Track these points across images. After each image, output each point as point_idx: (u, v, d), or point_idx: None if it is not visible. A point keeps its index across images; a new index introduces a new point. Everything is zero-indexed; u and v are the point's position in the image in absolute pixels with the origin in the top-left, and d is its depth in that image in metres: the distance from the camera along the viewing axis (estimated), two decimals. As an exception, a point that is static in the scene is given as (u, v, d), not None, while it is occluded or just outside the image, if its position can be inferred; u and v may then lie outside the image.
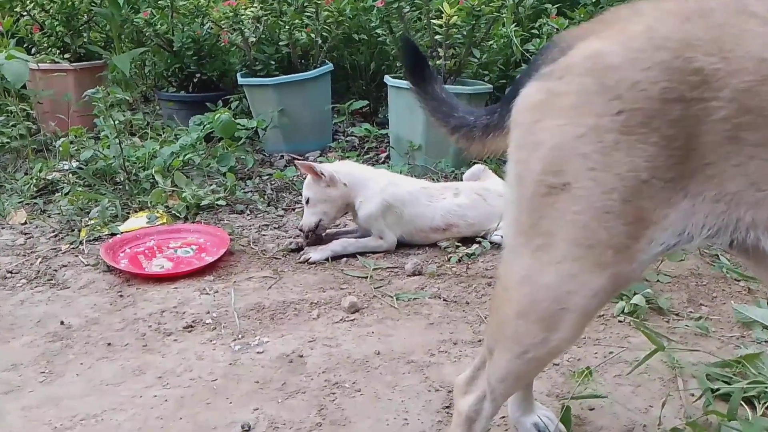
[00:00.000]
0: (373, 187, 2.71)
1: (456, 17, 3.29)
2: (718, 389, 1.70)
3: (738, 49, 0.93)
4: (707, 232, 1.01)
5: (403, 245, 2.74)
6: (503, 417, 1.63)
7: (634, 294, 2.16)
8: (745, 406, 1.64)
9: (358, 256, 2.65)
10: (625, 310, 2.12)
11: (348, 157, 3.69)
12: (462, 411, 1.32)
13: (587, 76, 1.00)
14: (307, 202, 2.70)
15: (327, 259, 2.60)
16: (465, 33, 3.41)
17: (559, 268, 1.06)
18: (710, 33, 0.95)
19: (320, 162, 3.74)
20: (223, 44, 4.26)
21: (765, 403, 1.66)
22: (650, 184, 0.98)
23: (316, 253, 2.62)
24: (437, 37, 3.40)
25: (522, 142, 1.10)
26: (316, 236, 2.73)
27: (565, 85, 1.03)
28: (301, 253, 2.65)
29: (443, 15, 3.30)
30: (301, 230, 2.73)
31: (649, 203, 0.99)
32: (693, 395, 1.71)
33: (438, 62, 3.44)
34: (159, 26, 4.27)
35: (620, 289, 1.11)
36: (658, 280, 2.36)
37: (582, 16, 3.62)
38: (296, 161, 2.69)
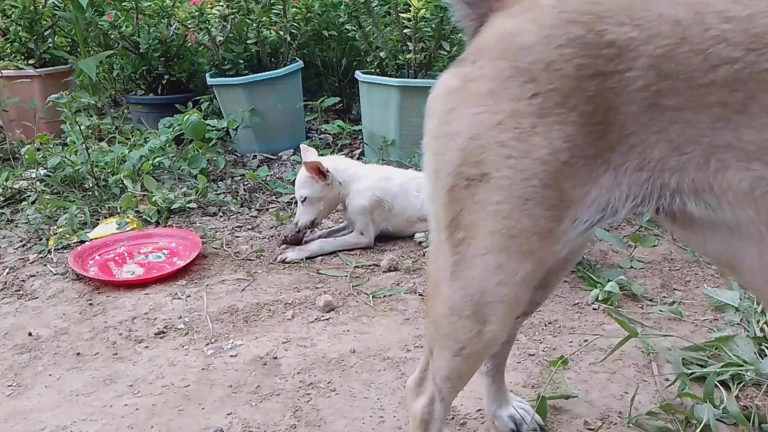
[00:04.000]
0: (365, 182, 2.72)
1: (424, 10, 3.28)
2: (692, 373, 1.71)
3: (649, 15, 0.90)
4: (632, 203, 0.99)
5: (380, 240, 2.73)
6: (479, 410, 1.62)
7: (608, 281, 2.17)
8: (721, 388, 1.65)
9: (337, 253, 2.64)
10: (599, 298, 2.12)
11: (322, 155, 3.67)
12: (416, 414, 1.29)
13: (501, 59, 0.96)
14: (303, 200, 2.68)
15: (302, 259, 2.58)
16: (434, 26, 3.39)
17: (484, 261, 1.03)
18: (620, 2, 0.93)
19: (294, 160, 3.71)
20: (190, 44, 4.20)
21: (740, 384, 1.67)
22: (570, 164, 0.95)
23: (293, 253, 2.59)
24: (406, 30, 3.38)
25: (437, 132, 1.05)
26: (300, 236, 2.72)
27: (479, 70, 0.98)
28: (278, 252, 2.63)
29: (411, 8, 3.28)
30: (296, 225, 2.71)
31: (570, 183, 0.96)
32: (668, 380, 1.71)
33: (408, 56, 3.42)
34: (124, 28, 4.20)
35: (546, 270, 1.10)
36: (631, 267, 2.37)
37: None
38: (305, 161, 2.64)
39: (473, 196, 1.00)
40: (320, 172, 2.64)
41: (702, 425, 1.50)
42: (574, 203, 0.98)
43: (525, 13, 0.98)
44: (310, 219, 2.70)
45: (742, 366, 1.69)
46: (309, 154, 2.79)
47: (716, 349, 1.79)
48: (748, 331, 1.90)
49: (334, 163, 2.75)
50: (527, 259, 1.02)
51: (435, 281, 1.15)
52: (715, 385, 1.63)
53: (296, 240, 2.71)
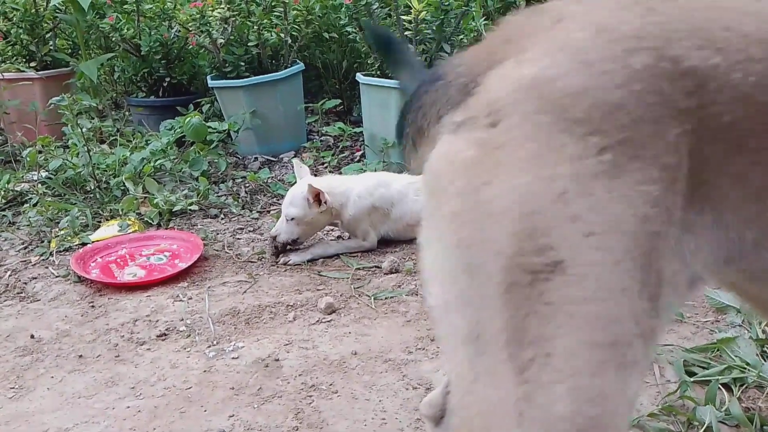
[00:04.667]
0: (356, 191, 2.66)
1: (425, 12, 3.28)
2: (694, 374, 1.71)
3: (732, 35, 0.74)
4: (713, 266, 0.80)
5: (382, 243, 2.73)
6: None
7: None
8: (723, 390, 1.65)
9: (339, 256, 2.63)
10: (601, 300, 2.12)
11: (323, 157, 3.67)
12: None
13: (540, 112, 0.75)
14: (290, 219, 2.57)
15: (304, 261, 2.58)
16: (434, 28, 3.40)
17: (572, 386, 0.73)
18: (689, 20, 0.76)
19: (294, 162, 3.71)
20: (191, 47, 4.21)
21: (742, 386, 1.67)
22: (662, 235, 0.73)
23: (296, 256, 2.59)
24: (407, 33, 3.38)
25: (467, 216, 0.78)
26: (278, 252, 2.61)
27: (507, 133, 0.76)
28: (281, 256, 2.62)
29: (412, 11, 3.29)
30: (273, 239, 2.60)
31: (665, 260, 0.74)
32: (669, 381, 1.71)
33: (409, 58, 3.42)
34: (125, 31, 4.20)
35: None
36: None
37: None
38: (310, 184, 2.52)
39: (543, 294, 0.73)
40: (318, 199, 2.55)
41: (704, 428, 1.50)
42: (667, 284, 0.76)
43: (552, 52, 0.78)
44: (292, 238, 2.58)
45: (744, 368, 1.69)
46: (303, 170, 2.74)
47: (718, 350, 1.79)
48: (750, 333, 1.89)
49: (328, 185, 2.62)
50: (633, 374, 0.74)
51: (483, 429, 0.79)
52: (718, 388, 1.63)
53: (275, 253, 2.60)
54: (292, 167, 3.67)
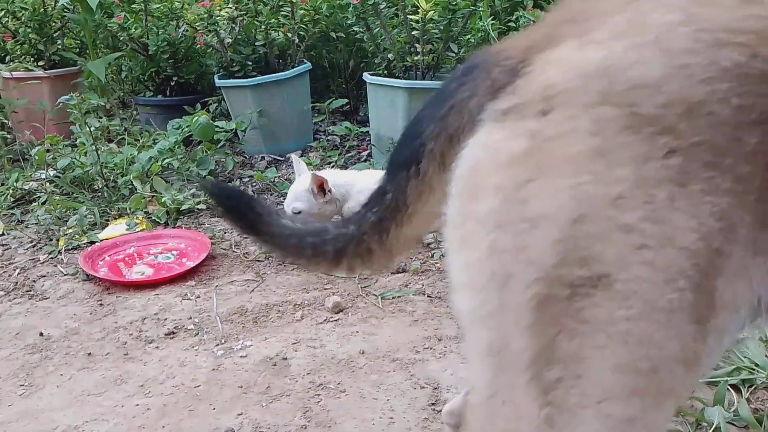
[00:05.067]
0: (359, 186, 2.66)
1: (432, 12, 3.28)
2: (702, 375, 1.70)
3: None
4: None
5: (387, 243, 2.72)
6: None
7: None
8: (731, 391, 1.65)
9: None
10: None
11: (330, 156, 3.68)
12: None
13: (604, 103, 0.66)
14: (297, 213, 2.57)
15: (310, 260, 2.58)
16: (442, 28, 3.39)
17: (601, 413, 0.67)
18: None
19: (293, 158, 3.72)
20: (198, 46, 4.22)
21: (751, 387, 1.67)
22: (723, 253, 0.66)
23: (299, 255, 2.59)
24: (414, 32, 3.38)
25: (505, 217, 0.70)
26: None
27: (562, 124, 0.67)
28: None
29: (419, 10, 3.28)
30: None
31: (723, 281, 0.67)
32: (678, 382, 1.71)
33: (416, 58, 3.42)
34: (133, 30, 4.21)
35: None
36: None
37: (559, 7, 3.61)
38: (313, 173, 2.53)
39: (581, 311, 0.66)
40: (322, 188, 2.56)
41: (713, 428, 1.50)
42: (724, 308, 0.69)
43: (628, 36, 0.69)
44: None
45: (753, 369, 1.68)
46: (301, 167, 2.74)
47: (726, 351, 1.78)
48: (759, 334, 1.89)
49: (333, 177, 2.64)
50: (667, 404, 0.70)
51: None
52: (726, 389, 1.63)
53: None
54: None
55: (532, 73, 0.71)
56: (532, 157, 0.69)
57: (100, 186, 3.24)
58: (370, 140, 3.74)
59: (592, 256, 0.65)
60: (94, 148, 3.23)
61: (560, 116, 0.68)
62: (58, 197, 3.20)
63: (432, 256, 2.58)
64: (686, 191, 0.64)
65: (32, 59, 4.44)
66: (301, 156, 3.80)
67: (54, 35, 4.54)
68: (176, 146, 3.47)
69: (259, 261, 2.61)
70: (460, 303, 0.76)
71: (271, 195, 3.31)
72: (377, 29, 3.66)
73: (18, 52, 4.49)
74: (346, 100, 4.20)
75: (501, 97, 0.73)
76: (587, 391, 0.67)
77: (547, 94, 0.69)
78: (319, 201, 2.57)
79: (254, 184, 3.42)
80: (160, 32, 4.19)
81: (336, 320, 2.13)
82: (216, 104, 4.18)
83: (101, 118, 3.70)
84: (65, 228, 2.91)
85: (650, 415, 0.68)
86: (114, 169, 3.36)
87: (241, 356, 1.94)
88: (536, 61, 0.72)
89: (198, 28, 3.97)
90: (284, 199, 3.25)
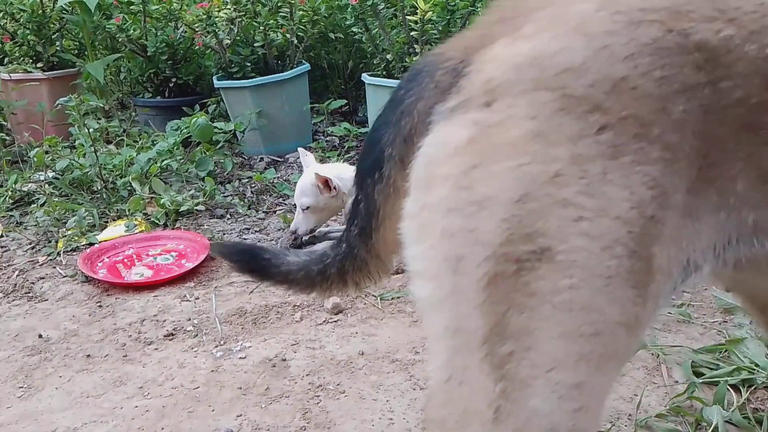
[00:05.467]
0: None
1: (431, 12, 3.28)
2: (702, 375, 1.71)
3: (746, 4, 0.70)
4: (712, 253, 0.76)
5: (386, 243, 2.72)
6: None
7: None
8: (731, 391, 1.64)
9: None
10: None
11: (329, 157, 3.67)
12: None
13: (539, 89, 0.70)
14: (306, 209, 2.61)
15: (309, 261, 2.58)
16: (440, 28, 3.39)
17: (550, 381, 0.70)
18: None
19: (300, 151, 3.72)
20: (197, 47, 4.22)
21: (750, 387, 1.67)
22: (657, 220, 0.70)
23: (299, 255, 2.60)
24: (413, 33, 3.38)
25: (453, 203, 0.73)
26: (299, 243, 2.69)
27: (504, 111, 0.71)
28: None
29: (418, 11, 3.28)
30: (293, 233, 2.66)
31: (658, 246, 0.71)
32: (677, 382, 1.71)
33: (414, 59, 3.42)
34: (132, 31, 4.21)
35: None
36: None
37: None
38: (317, 173, 2.54)
39: (528, 284, 0.69)
40: (329, 186, 2.57)
41: (711, 428, 1.49)
42: (661, 272, 0.72)
43: (552, 27, 0.73)
44: (310, 227, 2.64)
45: (753, 369, 1.68)
46: (308, 159, 2.75)
47: (726, 351, 1.78)
48: (758, 334, 1.89)
49: (338, 172, 2.65)
50: (611, 366, 0.73)
51: (457, 429, 0.76)
52: (726, 389, 1.63)
53: (295, 246, 2.66)
54: (298, 167, 3.69)
55: (473, 72, 0.76)
56: (476, 144, 0.73)
57: (99, 187, 3.24)
58: (369, 141, 3.74)
59: (536, 231, 0.69)
60: (92, 149, 3.23)
61: (500, 105, 0.72)
62: (56, 199, 3.20)
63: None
64: (617, 163, 0.68)
65: (31, 61, 4.44)
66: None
67: (53, 37, 4.54)
68: (175, 147, 3.47)
69: (258, 262, 2.60)
70: (418, 291, 0.78)
71: (270, 196, 3.31)
72: (376, 30, 3.66)
73: (17, 54, 4.49)
74: (345, 101, 4.20)
75: (447, 98, 0.77)
76: (537, 361, 0.70)
77: (488, 88, 0.73)
78: (325, 196, 2.59)
79: (253, 185, 3.42)
80: (158, 33, 4.19)
81: (335, 321, 2.13)
82: (215, 105, 4.18)
83: (100, 119, 3.70)
84: (64, 230, 2.91)
85: (595, 379, 0.72)
86: (113, 171, 3.36)
87: (241, 357, 1.94)
88: (475, 61, 0.76)
89: (197, 29, 3.97)
90: (283, 200, 3.26)
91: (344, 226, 2.79)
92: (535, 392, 0.71)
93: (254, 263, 1.14)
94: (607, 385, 0.75)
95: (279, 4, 3.86)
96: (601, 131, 0.68)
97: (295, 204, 3.16)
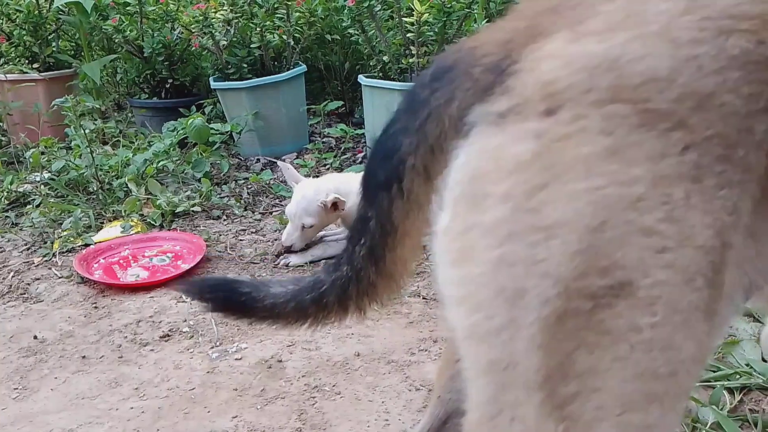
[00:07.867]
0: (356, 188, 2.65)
1: (427, 14, 3.28)
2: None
3: None
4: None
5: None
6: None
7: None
8: (726, 395, 1.65)
9: (338, 257, 2.63)
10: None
11: (325, 159, 3.68)
12: None
13: (614, 100, 0.62)
14: (309, 227, 2.56)
15: (305, 263, 2.58)
16: (437, 30, 3.39)
17: (620, 424, 0.64)
18: None
19: (297, 164, 3.72)
20: (194, 49, 4.21)
21: (744, 390, 1.67)
22: (732, 247, 0.64)
23: (296, 257, 2.60)
24: (409, 35, 3.38)
25: (510, 228, 0.64)
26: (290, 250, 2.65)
27: (572, 123, 0.63)
28: (280, 258, 2.62)
29: (414, 13, 3.29)
30: (287, 248, 2.61)
31: (731, 275, 0.66)
32: (673, 383, 1.71)
33: (411, 60, 3.43)
34: (128, 32, 4.21)
35: None
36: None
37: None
38: (337, 196, 2.48)
39: (603, 322, 0.62)
40: (336, 206, 2.53)
41: (706, 428, 1.50)
42: (727, 299, 0.67)
43: (629, 26, 0.64)
44: (306, 242, 2.62)
45: (750, 373, 1.69)
46: (292, 172, 2.71)
47: (722, 353, 1.79)
48: (755, 336, 1.89)
49: (337, 186, 2.60)
50: (681, 404, 0.68)
51: None
52: (722, 392, 1.63)
53: (277, 255, 2.64)
54: (294, 169, 3.69)
55: (524, 71, 0.67)
56: (541, 160, 0.64)
57: (95, 188, 3.23)
58: (365, 142, 3.74)
59: (614, 263, 0.61)
60: (89, 150, 3.22)
61: (568, 115, 0.63)
62: (52, 200, 3.19)
63: (427, 257, 2.57)
64: (701, 187, 0.61)
65: (27, 62, 4.43)
66: (297, 158, 3.81)
67: (49, 37, 4.54)
68: (171, 148, 3.47)
69: (254, 263, 2.60)
70: (456, 318, 0.71)
71: (266, 197, 3.31)
72: (372, 31, 3.67)
73: (13, 55, 4.48)
74: (342, 102, 4.21)
75: (491, 99, 0.68)
76: (606, 403, 0.64)
77: (548, 91, 0.64)
78: (331, 215, 2.57)
79: (249, 186, 3.42)
80: (155, 34, 4.18)
81: (331, 322, 2.12)
82: (211, 106, 4.17)
83: (96, 120, 3.69)
84: (60, 231, 2.90)
85: (666, 419, 0.66)
86: (109, 172, 3.36)
87: (236, 359, 1.94)
88: (524, 57, 0.67)
89: (193, 31, 3.97)
90: (279, 201, 3.26)
91: (339, 234, 2.82)
92: None
93: (230, 300, 0.99)
94: (676, 425, 0.69)
95: (276, 6, 3.86)
96: (685, 151, 0.61)
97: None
